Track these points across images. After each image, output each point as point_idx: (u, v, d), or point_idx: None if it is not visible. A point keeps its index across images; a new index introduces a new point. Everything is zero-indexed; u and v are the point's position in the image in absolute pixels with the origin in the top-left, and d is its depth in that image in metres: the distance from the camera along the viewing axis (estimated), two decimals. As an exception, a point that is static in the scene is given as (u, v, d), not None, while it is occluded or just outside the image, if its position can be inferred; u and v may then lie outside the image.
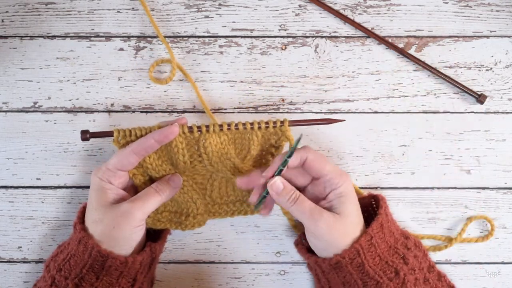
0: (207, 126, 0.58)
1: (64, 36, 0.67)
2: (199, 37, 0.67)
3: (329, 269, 0.57)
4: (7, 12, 0.67)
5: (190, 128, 0.58)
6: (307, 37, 0.67)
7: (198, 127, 0.58)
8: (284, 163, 0.56)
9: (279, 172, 0.57)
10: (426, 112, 0.67)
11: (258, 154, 0.61)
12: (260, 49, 0.67)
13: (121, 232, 0.55)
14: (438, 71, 0.66)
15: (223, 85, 0.67)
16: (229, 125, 0.59)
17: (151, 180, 0.61)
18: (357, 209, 0.58)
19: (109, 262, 0.55)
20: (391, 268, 0.55)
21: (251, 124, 0.59)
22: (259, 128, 0.59)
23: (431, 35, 0.67)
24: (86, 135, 0.59)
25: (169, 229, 0.64)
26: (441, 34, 0.67)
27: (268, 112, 0.66)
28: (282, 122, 0.59)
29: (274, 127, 0.59)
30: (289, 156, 0.56)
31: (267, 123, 0.59)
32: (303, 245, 0.62)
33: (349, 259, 0.55)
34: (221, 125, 0.58)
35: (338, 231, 0.55)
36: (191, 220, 0.61)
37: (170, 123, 0.58)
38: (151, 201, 0.57)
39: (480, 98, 0.65)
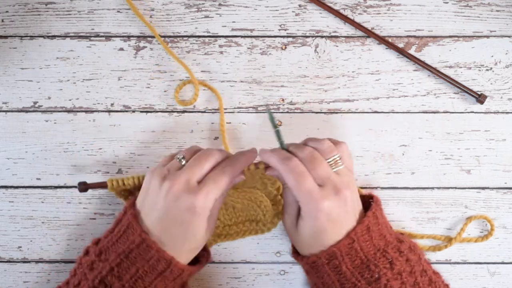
0: None
1: (64, 36, 0.67)
2: (199, 37, 0.67)
3: (308, 268, 0.57)
4: (7, 12, 0.67)
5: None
6: (307, 37, 0.67)
7: None
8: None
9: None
10: (426, 112, 0.67)
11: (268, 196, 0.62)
12: (260, 49, 0.67)
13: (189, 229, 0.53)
14: (438, 71, 0.66)
15: (223, 85, 0.67)
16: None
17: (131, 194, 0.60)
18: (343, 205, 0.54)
19: (169, 268, 0.53)
20: (372, 273, 0.54)
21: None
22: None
23: (431, 35, 0.67)
24: (82, 186, 0.58)
25: (209, 255, 0.61)
26: (441, 34, 0.67)
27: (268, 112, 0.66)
28: (257, 165, 0.56)
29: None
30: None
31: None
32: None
33: (326, 259, 0.54)
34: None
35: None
36: None
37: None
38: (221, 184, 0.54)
39: (480, 98, 0.65)
